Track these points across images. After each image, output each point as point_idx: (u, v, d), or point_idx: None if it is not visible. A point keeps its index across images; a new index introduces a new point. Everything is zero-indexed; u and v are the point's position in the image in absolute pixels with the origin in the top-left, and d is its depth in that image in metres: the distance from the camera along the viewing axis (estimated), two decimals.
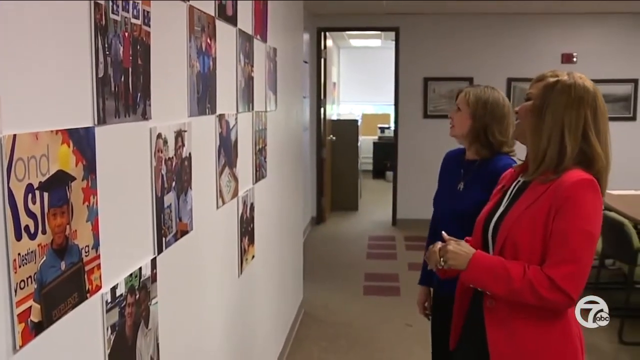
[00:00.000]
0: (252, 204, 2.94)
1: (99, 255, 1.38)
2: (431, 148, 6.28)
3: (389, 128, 11.64)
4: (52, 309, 1.19)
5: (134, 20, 1.55)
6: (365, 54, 12.70)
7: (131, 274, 1.57)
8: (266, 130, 3.27)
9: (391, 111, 9.39)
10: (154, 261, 1.72)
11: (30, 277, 1.12)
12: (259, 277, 3.20)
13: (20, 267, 1.09)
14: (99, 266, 1.38)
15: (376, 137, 12.25)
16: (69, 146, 1.24)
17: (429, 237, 2.56)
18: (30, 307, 1.12)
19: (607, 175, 1.76)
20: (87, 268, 1.33)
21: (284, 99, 3.86)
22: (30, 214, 1.12)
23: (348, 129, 9.28)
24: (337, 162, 8.89)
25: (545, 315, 1.74)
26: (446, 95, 7.55)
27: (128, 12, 1.51)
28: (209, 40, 2.20)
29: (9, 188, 1.06)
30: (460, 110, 2.43)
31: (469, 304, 1.95)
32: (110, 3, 1.41)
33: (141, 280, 1.63)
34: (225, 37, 2.43)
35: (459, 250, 1.79)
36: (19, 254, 1.08)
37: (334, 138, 8.79)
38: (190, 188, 2.02)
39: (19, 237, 1.08)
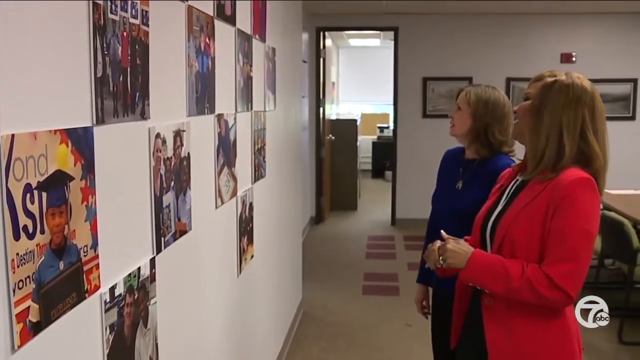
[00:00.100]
0: (251, 204, 2.94)
1: (98, 255, 1.38)
2: (430, 148, 6.28)
3: (388, 128, 11.64)
4: (50, 309, 1.19)
5: (132, 20, 1.55)
6: (364, 53, 12.70)
7: (130, 274, 1.57)
8: (265, 130, 3.27)
9: (390, 111, 9.38)
10: (152, 261, 1.72)
11: (28, 277, 1.12)
12: (258, 276, 3.19)
13: (18, 267, 1.09)
14: (97, 266, 1.38)
15: (375, 137, 12.25)
16: (67, 146, 1.24)
17: (427, 236, 2.56)
18: (29, 307, 1.12)
19: (604, 174, 1.77)
20: (85, 268, 1.33)
21: (282, 99, 3.86)
22: (29, 213, 1.12)
23: (347, 128, 9.27)
24: (336, 162, 8.89)
25: (543, 314, 1.74)
26: (445, 95, 7.55)
27: (126, 12, 1.51)
28: (207, 40, 2.20)
29: (7, 188, 1.06)
30: (461, 109, 2.43)
31: (468, 302, 1.95)
32: (109, 3, 1.41)
33: (140, 280, 1.62)
34: (224, 36, 2.43)
35: (458, 249, 1.80)
36: (17, 254, 1.08)
37: (333, 138, 8.79)
38: (189, 188, 2.02)
39: (17, 237, 1.08)
